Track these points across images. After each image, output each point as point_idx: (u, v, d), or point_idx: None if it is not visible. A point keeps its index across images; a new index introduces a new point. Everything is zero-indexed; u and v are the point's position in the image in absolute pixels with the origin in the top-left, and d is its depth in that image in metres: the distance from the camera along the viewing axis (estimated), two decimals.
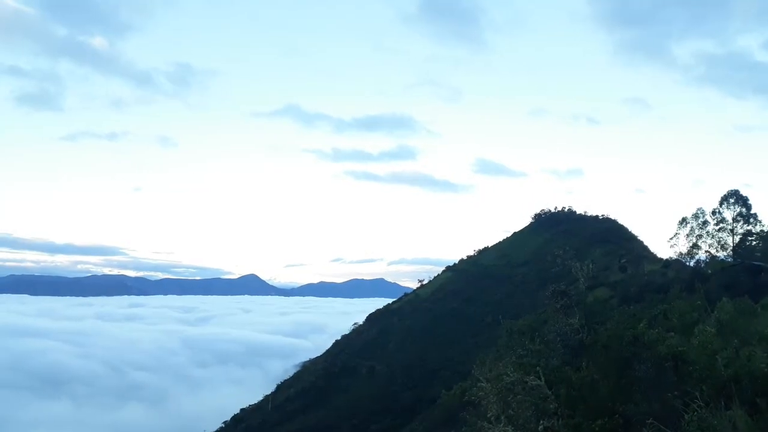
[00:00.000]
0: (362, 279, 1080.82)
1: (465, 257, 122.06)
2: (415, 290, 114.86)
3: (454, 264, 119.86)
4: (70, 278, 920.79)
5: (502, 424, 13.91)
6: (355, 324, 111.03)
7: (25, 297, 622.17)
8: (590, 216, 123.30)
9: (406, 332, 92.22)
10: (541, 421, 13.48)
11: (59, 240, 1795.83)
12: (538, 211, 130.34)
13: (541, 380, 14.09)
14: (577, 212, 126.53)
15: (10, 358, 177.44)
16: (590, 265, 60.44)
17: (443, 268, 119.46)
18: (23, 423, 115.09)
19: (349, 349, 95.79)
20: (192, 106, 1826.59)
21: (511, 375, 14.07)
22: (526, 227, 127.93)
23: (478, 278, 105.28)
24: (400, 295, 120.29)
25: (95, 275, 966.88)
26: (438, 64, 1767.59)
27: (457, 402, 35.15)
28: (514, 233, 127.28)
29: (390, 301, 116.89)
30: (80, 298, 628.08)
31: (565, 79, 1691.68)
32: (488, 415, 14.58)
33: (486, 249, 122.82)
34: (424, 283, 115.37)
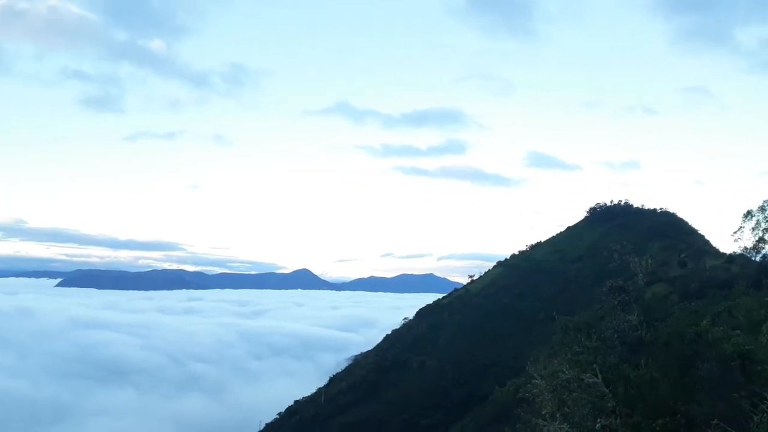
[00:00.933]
0: (412, 274, 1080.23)
1: (516, 252, 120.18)
2: (465, 286, 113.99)
3: (506, 259, 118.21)
4: (133, 273, 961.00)
5: (557, 422, 13.72)
6: (405, 319, 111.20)
7: (92, 291, 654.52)
8: (648, 209, 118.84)
9: (457, 328, 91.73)
10: (599, 420, 13.21)
11: (122, 236, 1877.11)
12: (593, 205, 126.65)
13: (598, 378, 13.80)
14: (634, 206, 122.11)
15: (77, 349, 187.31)
16: (648, 260, 58.19)
17: (494, 264, 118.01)
18: (90, 411, 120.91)
19: (399, 343, 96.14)
20: (245, 105, 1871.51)
21: (566, 372, 13.84)
22: (580, 221, 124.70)
23: (530, 273, 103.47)
24: (450, 290, 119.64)
25: (156, 270, 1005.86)
26: (488, 57, 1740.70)
27: (511, 399, 34.78)
28: (568, 228, 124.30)
29: (440, 296, 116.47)
30: (142, 291, 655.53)
31: (621, 70, 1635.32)
32: (543, 413, 14.40)
33: (538, 244, 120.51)
34: (475, 278, 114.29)
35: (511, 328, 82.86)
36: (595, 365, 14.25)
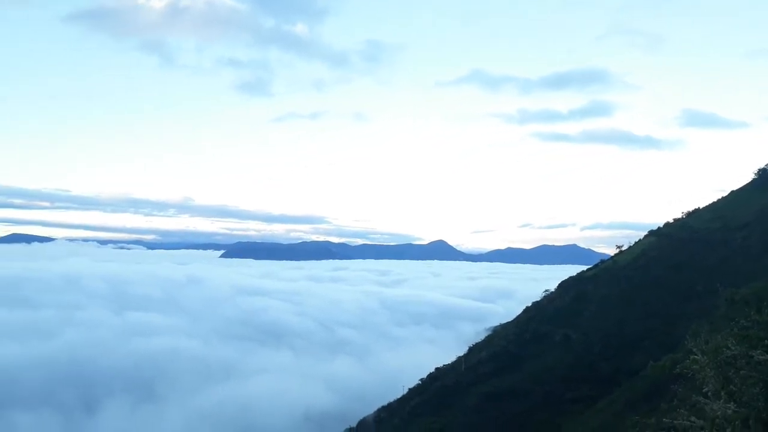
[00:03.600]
0: (552, 245, 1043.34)
1: (671, 220, 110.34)
2: (612, 257, 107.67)
3: (658, 228, 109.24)
4: (285, 245, 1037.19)
5: (722, 401, 12.96)
6: (546, 291, 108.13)
7: (250, 261, 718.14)
8: None
9: (603, 301, 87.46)
10: None
11: (275, 211, 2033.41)
12: (762, 166, 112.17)
13: None
14: None
15: (241, 313, 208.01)
16: None
17: (645, 233, 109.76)
18: (253, 369, 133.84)
19: (540, 315, 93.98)
20: (382, 82, 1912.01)
21: (732, 348, 12.94)
22: (747, 185, 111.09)
23: (686, 243, 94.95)
24: (595, 262, 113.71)
25: (305, 242, 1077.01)
26: (633, 12, 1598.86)
27: (666, 374, 32.90)
28: (732, 192, 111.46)
29: (583, 268, 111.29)
30: (293, 262, 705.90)
31: None
32: (704, 390, 13.64)
33: (696, 210, 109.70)
34: (623, 249, 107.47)
35: (665, 302, 77.27)
36: (767, 341, 13.17)
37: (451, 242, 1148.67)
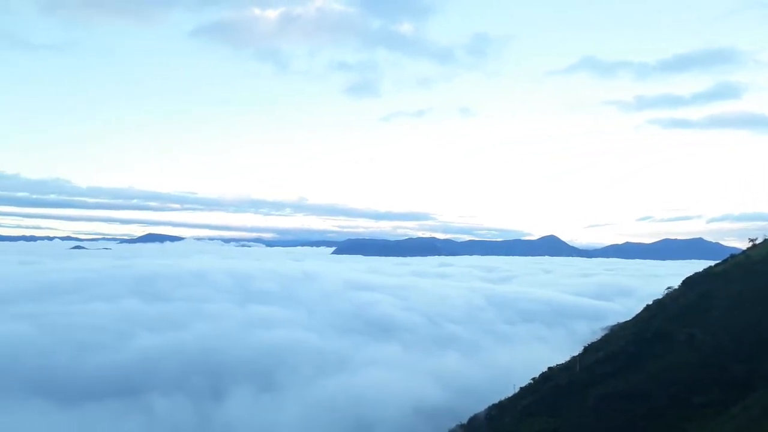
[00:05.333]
0: (675, 239, 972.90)
1: None
2: (745, 251, 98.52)
3: None
4: (392, 241, 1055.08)
5: None
6: (668, 288, 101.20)
7: (359, 257, 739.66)
8: None
9: (734, 298, 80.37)
10: None
11: (382, 209, 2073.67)
12: None
13: None
14: None
15: (352, 307, 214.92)
16: None
17: None
18: (364, 362, 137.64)
19: (662, 314, 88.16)
20: (489, 74, 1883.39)
21: None
22: None
23: None
24: (724, 256, 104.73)
25: (411, 238, 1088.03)
26: None
27: None
28: None
29: (711, 263, 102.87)
30: (399, 258, 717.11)
31: None
32: None
33: None
34: (758, 242, 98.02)
35: None
36: None
37: (564, 237, 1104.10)
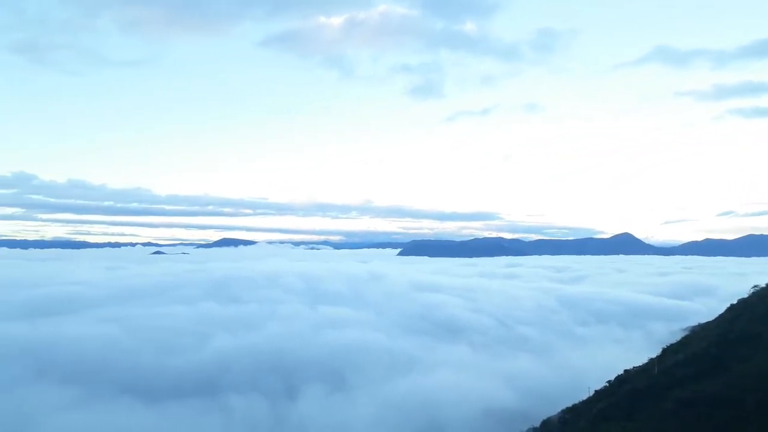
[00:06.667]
0: (761, 235, 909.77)
1: None
2: None
3: None
4: (457, 242, 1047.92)
5: None
6: (755, 287, 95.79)
7: (424, 258, 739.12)
8: None
9: None
10: None
11: (447, 209, 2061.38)
12: None
13: None
14: None
15: (419, 308, 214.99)
16: None
17: None
18: (432, 363, 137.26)
19: (749, 314, 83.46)
20: (555, 70, 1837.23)
21: None
22: None
23: None
24: None
25: (477, 238, 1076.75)
26: None
27: None
28: None
29: None
30: (465, 258, 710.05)
31: None
32: None
33: None
34: None
35: None
36: None
37: (638, 235, 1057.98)
